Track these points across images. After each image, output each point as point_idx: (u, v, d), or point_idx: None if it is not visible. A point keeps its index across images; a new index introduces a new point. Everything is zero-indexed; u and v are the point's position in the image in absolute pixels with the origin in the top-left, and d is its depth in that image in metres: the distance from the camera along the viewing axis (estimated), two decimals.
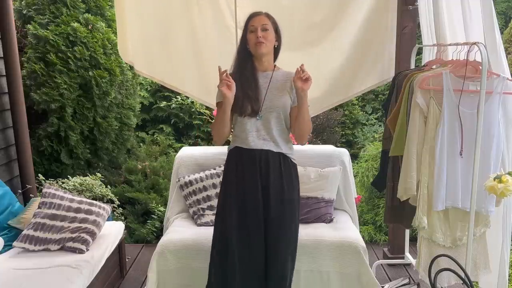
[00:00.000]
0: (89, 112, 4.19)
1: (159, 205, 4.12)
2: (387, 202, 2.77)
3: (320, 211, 3.03)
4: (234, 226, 2.27)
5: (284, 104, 2.27)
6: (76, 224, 2.80)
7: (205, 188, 3.13)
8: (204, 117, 5.24)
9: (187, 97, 5.14)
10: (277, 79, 2.30)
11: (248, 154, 2.27)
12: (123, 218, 4.01)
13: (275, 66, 2.36)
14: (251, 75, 2.27)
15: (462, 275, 1.80)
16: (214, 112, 4.42)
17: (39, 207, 2.85)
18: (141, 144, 5.18)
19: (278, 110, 2.26)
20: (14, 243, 2.69)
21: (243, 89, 2.23)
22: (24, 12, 4.10)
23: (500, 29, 2.70)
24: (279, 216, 2.28)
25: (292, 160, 2.34)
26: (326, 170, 3.14)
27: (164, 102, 5.37)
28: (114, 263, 3.15)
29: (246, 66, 2.28)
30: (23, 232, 2.72)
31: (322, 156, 3.21)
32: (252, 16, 2.28)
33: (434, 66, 2.69)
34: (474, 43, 2.23)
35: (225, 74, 2.17)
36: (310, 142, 4.61)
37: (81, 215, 2.85)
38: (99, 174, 4.02)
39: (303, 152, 3.23)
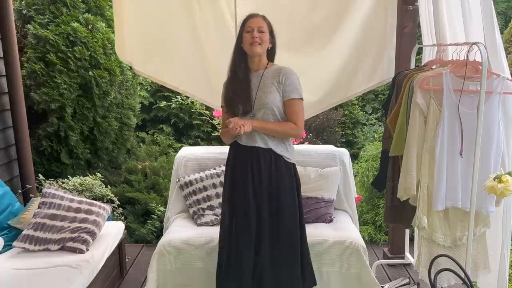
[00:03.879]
0: (89, 112, 4.19)
1: (159, 205, 4.12)
2: (387, 202, 2.77)
3: (320, 211, 3.03)
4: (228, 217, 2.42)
5: (274, 99, 2.35)
6: (76, 224, 2.80)
7: (205, 188, 3.13)
8: (204, 117, 5.23)
9: (187, 97, 5.13)
10: (267, 77, 2.39)
11: (243, 150, 2.40)
12: (123, 218, 4.01)
13: (268, 63, 2.43)
14: (244, 76, 2.38)
15: (462, 275, 1.80)
16: (215, 113, 4.44)
17: (39, 207, 2.85)
18: (141, 144, 5.17)
19: (269, 106, 2.34)
20: (14, 243, 2.69)
21: (235, 91, 2.38)
22: (24, 12, 4.09)
23: (500, 29, 2.70)
24: (273, 213, 2.37)
25: (285, 159, 2.40)
26: (326, 170, 3.14)
27: (164, 102, 5.36)
28: (114, 263, 3.15)
29: (240, 66, 2.39)
30: (23, 232, 2.72)
31: (322, 156, 3.22)
32: (250, 17, 2.40)
33: (434, 66, 2.68)
34: (474, 43, 2.23)
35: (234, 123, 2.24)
36: (310, 142, 4.61)
37: (81, 215, 2.85)
38: (99, 174, 4.02)
39: (303, 152, 3.23)
